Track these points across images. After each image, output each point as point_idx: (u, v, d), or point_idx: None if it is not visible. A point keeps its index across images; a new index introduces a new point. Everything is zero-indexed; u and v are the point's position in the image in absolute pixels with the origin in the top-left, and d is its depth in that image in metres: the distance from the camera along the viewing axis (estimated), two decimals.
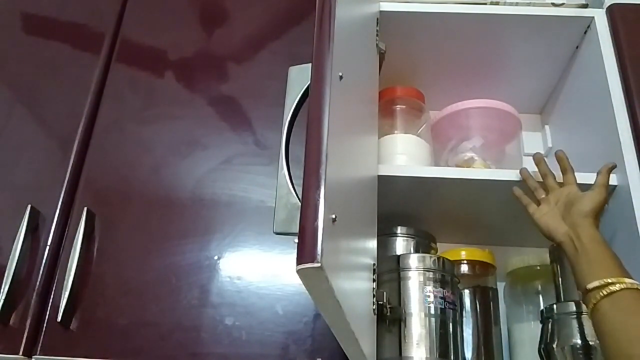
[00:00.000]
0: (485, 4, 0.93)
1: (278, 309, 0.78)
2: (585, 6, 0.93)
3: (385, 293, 0.70)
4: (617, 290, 0.62)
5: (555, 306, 0.78)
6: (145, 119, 0.93)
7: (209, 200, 0.85)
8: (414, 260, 0.77)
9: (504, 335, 0.88)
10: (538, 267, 0.88)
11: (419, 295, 0.75)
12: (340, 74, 0.58)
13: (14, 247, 0.80)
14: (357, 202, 0.66)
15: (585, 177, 0.80)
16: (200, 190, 0.86)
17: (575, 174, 0.81)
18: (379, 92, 0.91)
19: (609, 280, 0.63)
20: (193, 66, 0.97)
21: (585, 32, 0.92)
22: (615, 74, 0.85)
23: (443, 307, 0.75)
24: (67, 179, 0.88)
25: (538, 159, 0.80)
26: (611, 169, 0.76)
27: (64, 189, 0.87)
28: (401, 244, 0.86)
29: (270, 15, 1.01)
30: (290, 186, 0.63)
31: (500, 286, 0.91)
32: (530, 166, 1.04)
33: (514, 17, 0.92)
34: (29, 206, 0.83)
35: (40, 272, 0.81)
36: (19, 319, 0.79)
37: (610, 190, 0.80)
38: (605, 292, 0.62)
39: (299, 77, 0.71)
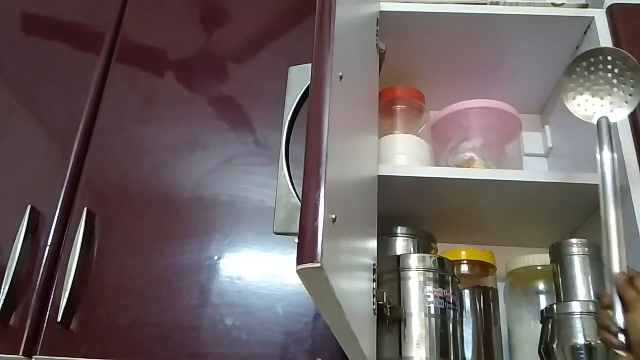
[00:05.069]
0: (485, 4, 0.93)
1: (278, 309, 0.78)
2: (585, 6, 0.93)
3: (385, 293, 0.70)
4: None
5: (555, 306, 0.78)
6: (145, 119, 0.93)
7: (209, 200, 0.85)
8: (414, 260, 0.77)
9: (504, 335, 0.88)
10: (538, 267, 0.88)
11: (419, 295, 0.75)
12: (340, 74, 0.58)
13: (14, 247, 0.80)
14: (357, 202, 0.66)
15: (585, 177, 0.81)
16: (200, 190, 0.86)
17: (575, 174, 0.81)
18: (379, 92, 0.91)
19: None
20: (193, 66, 0.97)
21: (585, 32, 0.92)
22: None
23: (443, 307, 0.75)
24: (67, 179, 0.88)
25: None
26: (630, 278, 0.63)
27: (64, 189, 0.87)
28: (401, 244, 0.86)
29: (270, 15, 1.01)
30: (290, 186, 0.63)
31: (500, 286, 0.91)
32: (530, 166, 1.04)
33: (514, 17, 0.92)
34: (29, 206, 0.83)
35: (40, 272, 0.81)
36: (19, 319, 0.79)
37: None
38: None
39: (299, 77, 0.71)
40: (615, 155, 0.70)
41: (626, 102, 0.74)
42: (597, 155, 0.71)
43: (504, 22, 0.92)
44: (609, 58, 0.74)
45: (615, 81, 0.74)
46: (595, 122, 0.74)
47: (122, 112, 0.94)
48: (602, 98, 0.74)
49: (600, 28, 0.89)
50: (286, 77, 0.73)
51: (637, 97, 0.73)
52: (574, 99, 0.76)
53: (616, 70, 0.74)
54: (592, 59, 0.75)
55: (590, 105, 0.75)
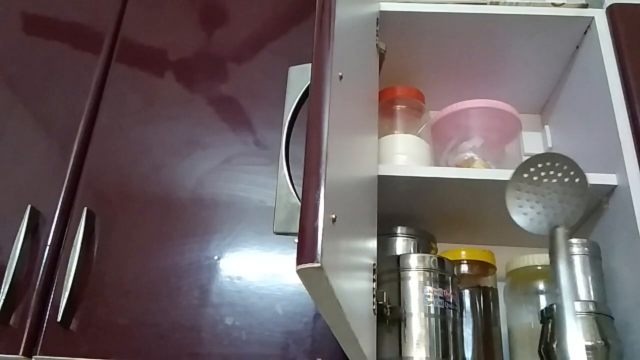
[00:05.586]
0: (485, 4, 0.93)
1: (278, 309, 0.78)
2: (585, 6, 0.93)
3: (385, 293, 0.70)
4: None
5: (555, 306, 0.78)
6: (145, 119, 0.93)
7: (209, 200, 0.85)
8: (414, 260, 0.77)
9: (504, 335, 0.88)
10: (538, 267, 0.88)
11: (419, 295, 0.75)
12: (340, 74, 0.58)
13: (14, 247, 0.80)
14: (357, 202, 0.66)
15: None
16: (200, 190, 0.86)
17: None
18: (379, 92, 0.91)
19: None
20: (193, 66, 0.97)
21: (585, 32, 0.92)
22: (615, 74, 0.85)
23: (443, 307, 0.75)
24: (67, 179, 0.88)
25: None
26: None
27: (64, 189, 0.87)
28: (401, 244, 0.86)
29: (270, 15, 1.01)
30: (290, 186, 0.63)
31: (500, 286, 0.91)
32: None
33: (514, 17, 0.92)
34: (29, 206, 0.84)
35: (40, 272, 0.81)
36: (19, 319, 0.79)
37: (610, 190, 0.81)
38: None
39: (299, 77, 0.71)
40: (572, 269, 0.64)
41: (576, 206, 0.69)
42: (553, 268, 0.66)
43: (504, 22, 0.92)
44: (548, 164, 0.70)
45: (561, 187, 0.70)
46: (548, 233, 0.69)
47: (122, 112, 0.94)
48: (552, 207, 0.70)
49: (600, 28, 0.89)
50: (286, 77, 0.73)
51: (585, 199, 0.69)
52: (523, 212, 0.72)
53: (559, 175, 0.70)
54: (534, 169, 0.71)
55: (541, 216, 0.70)
